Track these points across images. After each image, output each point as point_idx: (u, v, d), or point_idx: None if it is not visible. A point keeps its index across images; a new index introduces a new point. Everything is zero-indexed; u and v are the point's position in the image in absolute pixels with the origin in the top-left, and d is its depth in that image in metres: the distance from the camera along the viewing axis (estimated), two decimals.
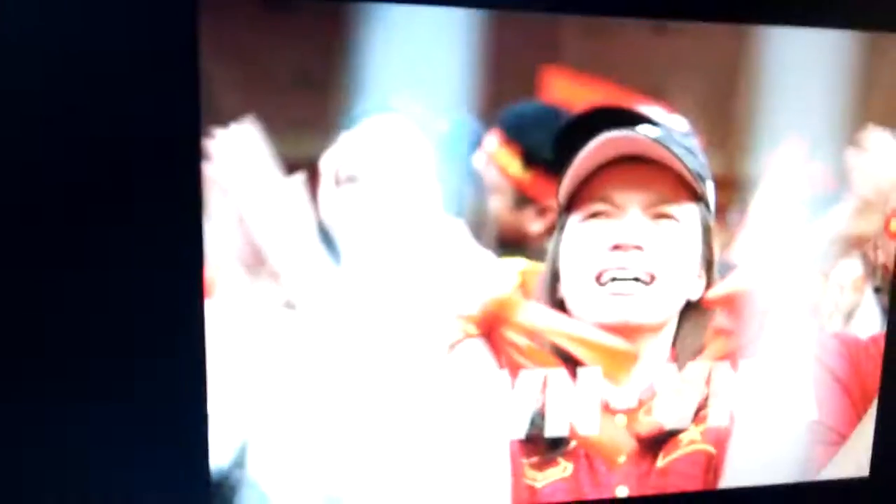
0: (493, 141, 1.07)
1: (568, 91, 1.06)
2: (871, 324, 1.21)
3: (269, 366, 1.03)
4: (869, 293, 1.21)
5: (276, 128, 0.98)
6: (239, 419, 1.03)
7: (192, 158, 0.96)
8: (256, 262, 1.00)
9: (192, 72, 0.94)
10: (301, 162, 1.00)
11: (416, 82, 1.00)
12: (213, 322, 1.00)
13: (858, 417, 1.21)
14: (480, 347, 1.06)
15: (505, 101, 1.05)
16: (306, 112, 0.99)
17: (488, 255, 1.05)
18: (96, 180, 0.95)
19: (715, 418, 1.14)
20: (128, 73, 0.94)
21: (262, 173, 0.98)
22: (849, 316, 1.20)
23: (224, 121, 0.97)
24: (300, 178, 1.00)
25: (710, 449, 1.14)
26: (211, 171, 0.98)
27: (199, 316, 0.99)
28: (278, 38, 0.97)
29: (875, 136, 1.13)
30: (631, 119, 1.07)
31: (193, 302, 0.99)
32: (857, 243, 1.16)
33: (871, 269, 1.20)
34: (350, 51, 0.98)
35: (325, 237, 1.03)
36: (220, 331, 1.00)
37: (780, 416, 1.18)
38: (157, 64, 0.94)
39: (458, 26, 1.01)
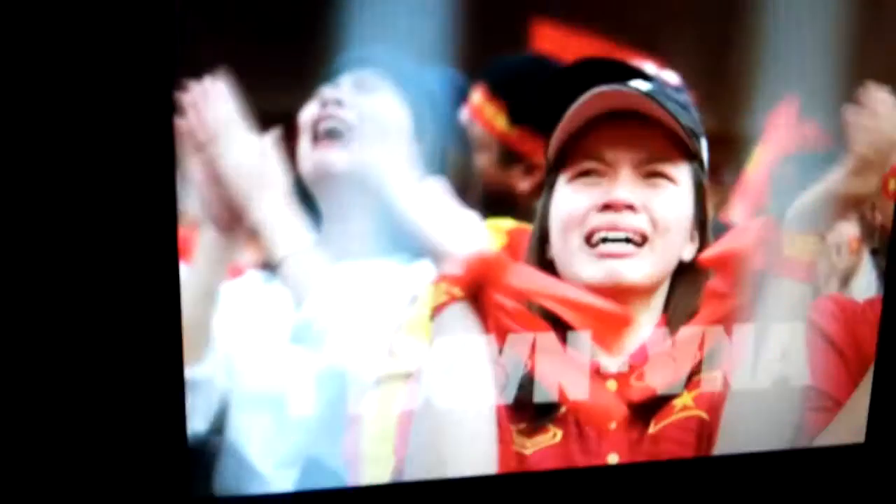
0: (478, 95, 1.06)
1: (556, 43, 1.04)
2: (868, 287, 1.20)
3: (246, 329, 1.02)
4: (866, 255, 1.20)
5: (252, 81, 0.96)
6: (217, 384, 1.02)
7: (163, 112, 0.94)
8: (232, 222, 0.99)
9: (165, 20, 0.91)
10: (278, 117, 0.98)
11: (397, 33, 0.99)
12: (189, 284, 0.98)
13: (854, 383, 1.20)
14: (466, 310, 1.04)
15: (491, 53, 1.04)
16: (283, 65, 0.98)
17: (474, 215, 1.04)
18: (60, 134, 0.92)
19: (708, 384, 1.13)
20: (96, 21, 0.91)
21: (237, 128, 0.97)
22: (845, 278, 1.19)
23: (197, 73, 0.94)
24: (277, 133, 0.99)
25: (704, 415, 1.13)
26: (183, 126, 0.96)
27: (174, 278, 0.97)
28: None
29: (874, 92, 1.11)
30: (622, 73, 1.05)
31: (167, 263, 0.97)
32: (854, 204, 1.14)
33: (869, 230, 1.19)
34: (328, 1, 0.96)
35: (303, 195, 1.02)
36: (197, 293, 0.99)
37: (775, 382, 1.17)
38: (127, 11, 0.92)
39: None
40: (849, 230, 1.18)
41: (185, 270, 0.98)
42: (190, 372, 0.99)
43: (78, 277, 0.96)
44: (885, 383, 1.21)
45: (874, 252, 1.20)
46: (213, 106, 0.94)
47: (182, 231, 0.98)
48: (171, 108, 0.94)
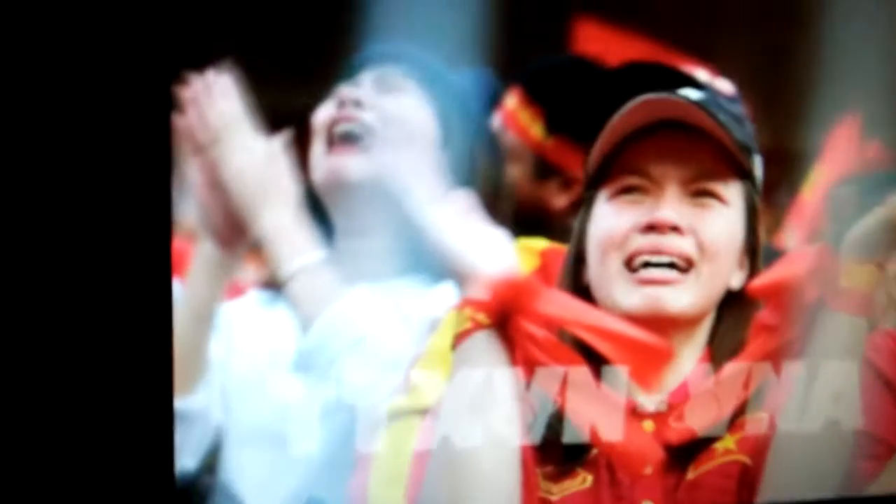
0: (512, 99, 1.05)
1: (600, 44, 1.02)
2: None
3: (245, 356, 1.00)
4: None
5: (261, 75, 0.92)
6: (211, 417, 0.98)
7: (160, 108, 0.88)
8: (233, 234, 0.95)
9: (164, 3, 0.86)
10: (289, 117, 0.96)
11: (425, 27, 0.94)
12: (182, 303, 0.95)
13: None
14: (492, 339, 0.98)
15: (528, 53, 1.02)
16: (296, 58, 0.96)
17: (503, 233, 0.99)
18: (40, 130, 0.88)
19: (753, 426, 1.07)
20: (93, 10, 0.87)
21: (243, 128, 0.93)
22: None
23: (199, 64, 0.91)
24: (287, 135, 0.95)
25: (747, 460, 1.07)
26: (182, 124, 0.93)
27: (166, 296, 0.91)
28: None
29: None
30: (671, 79, 1.02)
31: (158, 279, 0.90)
32: None
33: None
34: None
35: (315, 206, 0.99)
36: (191, 314, 0.95)
37: (824, 425, 1.11)
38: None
39: None
40: None
41: (178, 288, 0.94)
42: (180, 403, 0.95)
43: (57, 293, 0.91)
44: None
45: None
46: (216, 102, 0.91)
47: (177, 243, 0.92)
48: (168, 104, 0.90)
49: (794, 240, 1.12)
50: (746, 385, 1.07)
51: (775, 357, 1.08)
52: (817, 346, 1.09)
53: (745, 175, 1.04)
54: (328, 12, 0.94)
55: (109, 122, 0.89)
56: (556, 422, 1.03)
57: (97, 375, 0.93)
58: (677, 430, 1.05)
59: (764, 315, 1.08)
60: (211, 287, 0.95)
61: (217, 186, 0.93)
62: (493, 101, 1.02)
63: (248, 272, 0.99)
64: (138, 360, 0.92)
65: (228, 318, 0.97)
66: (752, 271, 1.07)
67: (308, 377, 0.97)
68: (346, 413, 0.98)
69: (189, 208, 0.95)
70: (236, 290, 0.99)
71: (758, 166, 1.06)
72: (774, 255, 1.09)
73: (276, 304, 0.97)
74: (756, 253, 1.07)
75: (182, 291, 0.94)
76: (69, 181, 0.90)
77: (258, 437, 0.98)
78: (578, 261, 1.05)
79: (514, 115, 1.03)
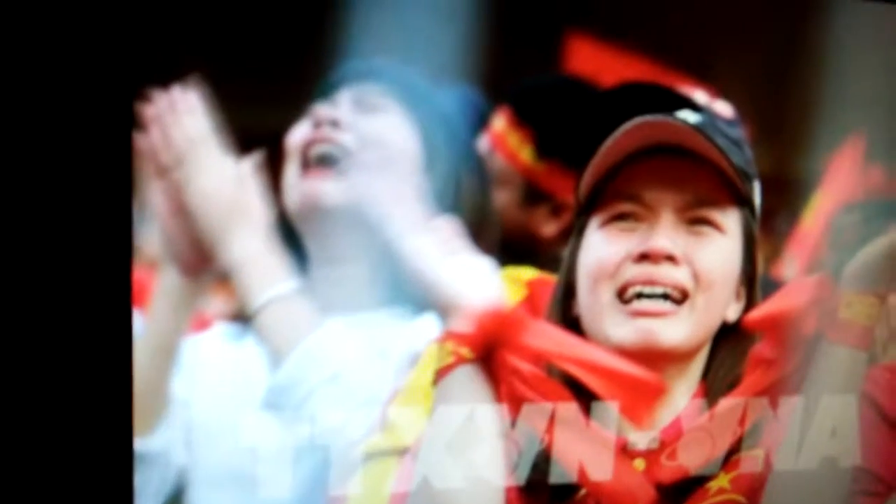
0: (500, 121, 1.03)
1: (593, 63, 1.00)
2: None
3: (211, 393, 0.96)
4: None
5: (230, 92, 0.89)
6: (173, 458, 0.94)
7: (120, 127, 0.85)
8: (199, 262, 0.91)
9: (125, 14, 0.82)
10: (261, 137, 0.93)
11: (408, 43, 0.92)
12: (144, 337, 0.91)
13: None
14: (475, 374, 0.95)
15: (517, 71, 1.00)
16: (269, 74, 0.92)
17: (489, 262, 0.96)
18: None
19: (748, 463, 1.05)
20: (44, 14, 0.83)
21: (210, 149, 0.90)
22: None
23: (163, 80, 0.88)
24: (258, 156, 0.92)
25: (742, 499, 1.04)
26: (144, 144, 0.89)
27: (126, 329, 0.87)
28: None
29: None
30: (668, 101, 0.99)
31: (118, 311, 0.87)
32: None
33: None
34: None
35: (288, 233, 0.96)
36: (153, 348, 0.92)
37: (822, 462, 1.08)
38: (82, 5, 0.83)
39: None
40: None
41: (139, 320, 0.90)
42: (141, 443, 0.91)
43: (9, 326, 0.87)
44: None
45: None
46: (181, 121, 0.88)
47: (138, 272, 0.90)
48: (129, 122, 0.86)
49: (794, 269, 1.11)
50: (742, 421, 1.04)
51: (772, 392, 1.05)
52: (815, 380, 1.06)
53: (743, 202, 1.01)
54: (304, 26, 0.91)
55: (66, 142, 0.85)
56: (543, 461, 1.00)
57: (52, 413, 0.89)
58: (669, 469, 1.02)
59: (761, 348, 1.04)
60: (174, 319, 0.91)
61: (182, 211, 0.90)
62: (480, 123, 1.00)
63: (215, 303, 0.96)
64: (96, 397, 0.88)
65: (193, 353, 0.93)
66: (750, 303, 1.04)
67: (279, 415, 0.93)
68: (319, 453, 0.95)
69: (151, 234, 0.92)
70: (202, 323, 0.96)
71: (756, 193, 1.04)
72: (772, 285, 1.06)
73: (245, 337, 0.94)
74: (754, 283, 1.04)
75: (143, 324, 0.91)
76: (23, 204, 0.86)
77: (225, 478, 0.94)
78: (568, 291, 1.02)
79: (502, 137, 1.02)
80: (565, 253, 1.02)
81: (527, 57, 0.99)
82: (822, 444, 1.08)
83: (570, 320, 1.01)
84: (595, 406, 0.99)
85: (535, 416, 0.99)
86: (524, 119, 1.00)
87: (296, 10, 0.90)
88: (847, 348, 1.05)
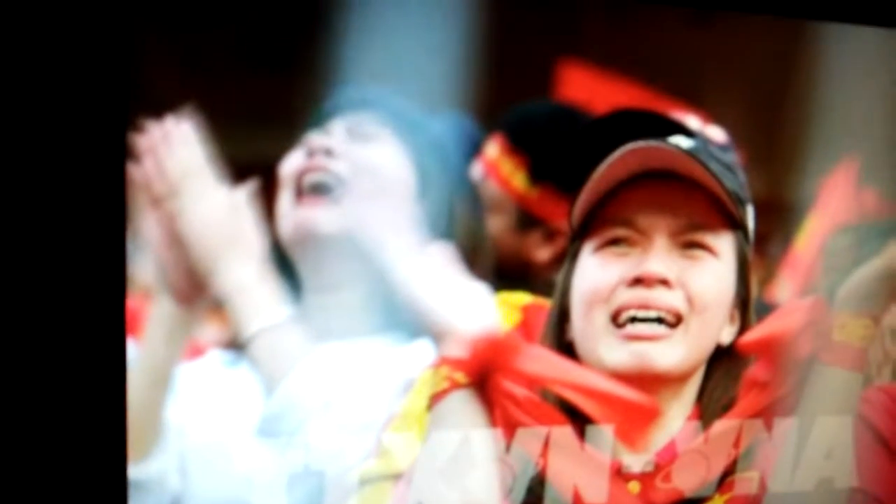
0: (493, 147, 1.02)
1: (586, 90, 1.00)
2: None
3: (206, 420, 0.95)
4: None
5: (224, 122, 0.89)
6: (168, 486, 0.92)
7: (114, 157, 0.84)
8: (193, 291, 0.91)
9: (119, 44, 0.81)
10: (254, 166, 0.92)
11: (401, 72, 0.92)
12: (138, 365, 0.90)
13: None
14: (470, 399, 0.95)
15: (510, 99, 0.99)
16: (262, 104, 0.92)
17: (483, 288, 0.96)
18: None
19: (743, 485, 1.04)
20: (37, 45, 0.82)
21: (204, 179, 0.89)
22: None
23: (157, 110, 0.87)
24: (252, 186, 0.91)
25: None
26: (138, 175, 0.88)
27: (120, 357, 0.86)
28: (228, 7, 0.89)
29: None
30: (660, 127, 0.99)
31: (112, 340, 0.86)
32: None
33: None
34: (320, 28, 0.89)
35: (281, 261, 0.95)
36: (147, 376, 0.90)
37: (817, 484, 1.08)
38: (71, 31, 0.82)
39: (456, 4, 0.93)
40: None
41: (133, 349, 0.89)
42: (135, 471, 0.90)
43: (5, 354, 0.86)
44: None
45: None
46: (175, 151, 0.87)
47: (132, 301, 0.89)
48: (123, 153, 0.85)
49: (788, 292, 1.10)
50: (737, 443, 1.03)
51: (767, 414, 1.05)
52: (810, 403, 1.06)
53: (736, 226, 1.01)
54: (297, 55, 0.91)
55: (60, 173, 0.84)
56: (538, 485, 0.99)
57: (47, 440, 0.88)
58: (664, 492, 1.01)
59: (755, 371, 1.04)
60: (169, 347, 0.90)
61: (176, 241, 0.89)
62: (474, 150, 0.99)
63: (209, 331, 0.95)
64: (91, 424, 0.87)
65: (188, 381, 0.92)
66: (744, 326, 1.03)
67: (274, 442, 0.92)
68: (314, 480, 0.93)
69: (145, 264, 0.91)
70: (196, 351, 0.95)
71: (750, 216, 1.04)
72: (766, 308, 1.06)
73: (239, 364, 0.93)
74: (747, 306, 1.03)
75: (137, 352, 0.90)
76: (17, 234, 0.85)
77: None
78: (562, 316, 1.01)
79: (495, 163, 1.01)
80: (559, 278, 1.01)
81: (519, 84, 0.98)
82: (818, 465, 1.08)
83: (564, 345, 1.00)
84: (589, 430, 0.99)
85: (529, 440, 0.98)
86: (517, 146, 1.00)
87: (289, 39, 0.90)
88: (842, 370, 1.05)
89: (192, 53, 0.88)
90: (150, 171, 0.87)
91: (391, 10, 0.90)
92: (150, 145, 0.86)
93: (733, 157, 1.02)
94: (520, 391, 0.97)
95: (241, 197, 0.90)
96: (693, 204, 0.99)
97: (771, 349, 1.03)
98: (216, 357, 0.95)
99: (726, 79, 1.03)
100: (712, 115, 1.01)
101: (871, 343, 1.06)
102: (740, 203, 1.00)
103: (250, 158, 0.91)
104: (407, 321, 0.94)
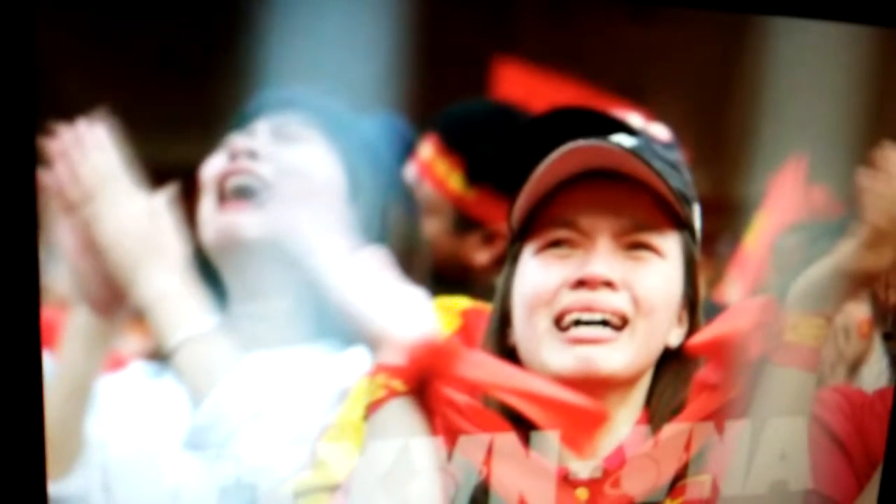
0: (428, 148, 1.00)
1: (524, 88, 0.97)
2: (878, 376, 1.16)
3: (129, 435, 0.92)
4: (878, 341, 1.15)
5: (140, 125, 0.86)
6: (89, 502, 0.90)
7: (24, 162, 0.81)
8: (112, 301, 0.88)
9: (24, 44, 0.78)
10: (174, 170, 0.90)
11: (329, 70, 0.89)
12: (56, 379, 0.87)
13: (860, 486, 1.13)
14: (408, 407, 0.94)
15: (444, 97, 0.97)
16: (181, 105, 0.89)
17: (420, 293, 0.95)
18: None
19: (695, 490, 1.04)
20: None
21: (120, 183, 0.87)
22: (854, 367, 1.15)
23: (68, 114, 0.85)
24: (172, 190, 0.89)
25: None
26: (50, 181, 0.85)
27: (36, 372, 0.84)
28: (143, 5, 0.85)
29: (891, 154, 1.02)
30: (602, 125, 0.98)
31: (27, 353, 0.83)
32: (866, 281, 1.05)
33: (882, 312, 1.14)
34: (240, 25, 0.86)
35: (205, 268, 0.92)
36: (66, 391, 0.88)
37: (771, 486, 1.08)
38: None
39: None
40: (859, 312, 1.13)
41: (50, 362, 0.87)
42: (56, 488, 0.87)
43: None
44: (893, 486, 1.13)
45: (887, 337, 1.16)
46: (89, 155, 0.84)
47: (47, 313, 0.86)
48: (33, 158, 0.82)
49: (737, 293, 1.09)
50: (687, 447, 1.03)
51: (718, 416, 1.05)
52: (762, 404, 1.05)
53: (682, 225, 1.00)
54: (219, 52, 0.87)
55: None
56: (482, 494, 0.98)
57: None
58: (613, 498, 1.02)
59: (705, 373, 1.04)
60: (87, 360, 0.87)
61: (92, 248, 0.86)
62: (407, 150, 0.97)
63: (131, 342, 0.92)
64: (8, 441, 0.85)
65: (109, 394, 0.89)
66: (692, 327, 1.03)
67: (202, 455, 0.89)
68: (246, 493, 0.91)
69: (60, 273, 0.88)
70: (117, 363, 0.92)
71: (696, 216, 1.03)
72: (715, 309, 1.05)
73: (164, 376, 0.91)
74: (695, 307, 1.03)
75: (55, 366, 0.87)
76: None
77: None
78: (503, 320, 1.01)
79: (430, 164, 0.99)
80: (499, 281, 1.01)
81: (453, 83, 0.96)
82: (771, 467, 1.07)
83: (506, 350, 0.99)
84: (534, 436, 0.98)
85: (472, 448, 0.97)
86: (452, 146, 0.98)
87: (210, 38, 0.87)
88: (794, 370, 1.04)
89: (105, 53, 0.84)
90: (63, 177, 0.84)
91: (317, 6, 0.87)
92: (63, 149, 0.84)
93: (678, 156, 1.01)
94: (461, 398, 0.96)
95: (160, 202, 0.87)
96: (637, 204, 0.98)
97: (721, 350, 1.03)
98: (139, 369, 0.92)
99: (669, 75, 1.02)
100: (655, 113, 1.00)
101: (823, 343, 1.05)
102: (686, 202, 0.99)
103: (169, 162, 0.89)
104: (340, 328, 0.92)
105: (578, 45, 0.97)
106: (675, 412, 1.02)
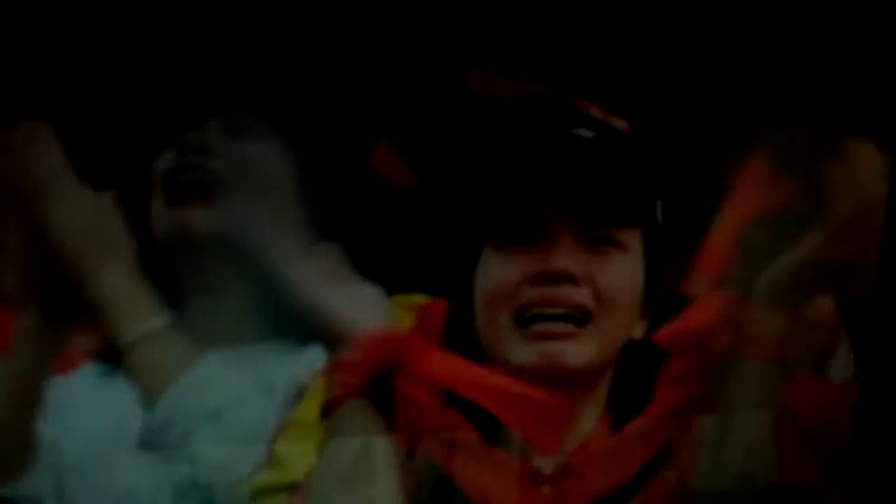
0: (385, 142, 0.99)
1: (486, 83, 0.98)
2: (846, 368, 1.14)
3: (82, 435, 0.92)
4: (844, 333, 1.14)
5: (89, 122, 0.90)
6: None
7: None
8: (61, 300, 0.88)
9: None
10: (125, 166, 0.91)
11: (284, 67, 0.92)
12: (5, 380, 0.89)
13: (828, 478, 1.09)
14: (367, 405, 0.92)
15: (401, 91, 0.98)
16: (132, 100, 0.91)
17: (377, 288, 0.94)
18: None
19: (661, 485, 1.03)
20: None
21: (67, 181, 0.86)
22: (821, 359, 1.14)
23: (12, 114, 0.86)
24: (122, 187, 0.90)
25: None
26: None
27: None
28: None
29: (857, 145, 1.01)
30: (564, 115, 0.96)
31: None
32: (832, 274, 1.03)
33: (847, 304, 1.11)
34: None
35: (158, 264, 0.92)
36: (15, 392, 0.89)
37: (738, 480, 1.06)
38: None
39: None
40: (826, 304, 1.11)
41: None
42: (5, 490, 0.87)
43: None
44: (860, 478, 1.09)
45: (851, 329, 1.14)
46: (34, 154, 0.84)
47: None
48: None
49: (702, 286, 1.05)
50: (653, 442, 1.02)
51: (684, 411, 1.02)
52: (729, 398, 1.04)
53: (645, 218, 0.99)
54: (169, 48, 0.85)
55: None
56: (444, 492, 0.97)
57: None
58: (578, 494, 1.00)
59: (670, 367, 1.02)
60: (37, 361, 0.87)
61: (40, 246, 0.86)
62: (363, 144, 0.97)
63: (81, 342, 0.91)
64: None
65: (61, 394, 0.90)
66: (656, 321, 1.01)
67: (157, 455, 0.89)
68: (202, 493, 0.90)
69: (8, 273, 0.88)
70: (68, 363, 0.92)
71: (659, 209, 1.02)
72: (680, 303, 1.03)
73: (116, 375, 0.90)
74: (659, 301, 1.02)
75: (3, 367, 0.87)
76: None
77: None
78: (464, 315, 0.98)
79: (386, 158, 0.98)
80: (459, 276, 0.99)
81: (412, 78, 0.95)
82: (739, 461, 1.06)
83: (467, 345, 0.98)
84: (497, 432, 0.96)
85: (433, 445, 0.96)
86: (409, 139, 0.98)
87: (161, 36, 0.86)
88: (761, 363, 1.03)
89: (50, 48, 0.83)
90: (9, 176, 0.84)
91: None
92: (7, 148, 0.83)
93: (640, 149, 0.99)
94: (421, 395, 0.94)
95: (109, 199, 0.87)
96: (599, 197, 0.96)
97: (686, 344, 1.02)
98: (90, 369, 0.92)
99: (632, 67, 1.01)
100: (616, 106, 0.99)
101: (790, 335, 1.04)
102: (649, 195, 0.99)
103: (119, 158, 0.89)
104: (296, 326, 0.91)
105: (543, 45, 0.97)
106: (640, 407, 1.01)
